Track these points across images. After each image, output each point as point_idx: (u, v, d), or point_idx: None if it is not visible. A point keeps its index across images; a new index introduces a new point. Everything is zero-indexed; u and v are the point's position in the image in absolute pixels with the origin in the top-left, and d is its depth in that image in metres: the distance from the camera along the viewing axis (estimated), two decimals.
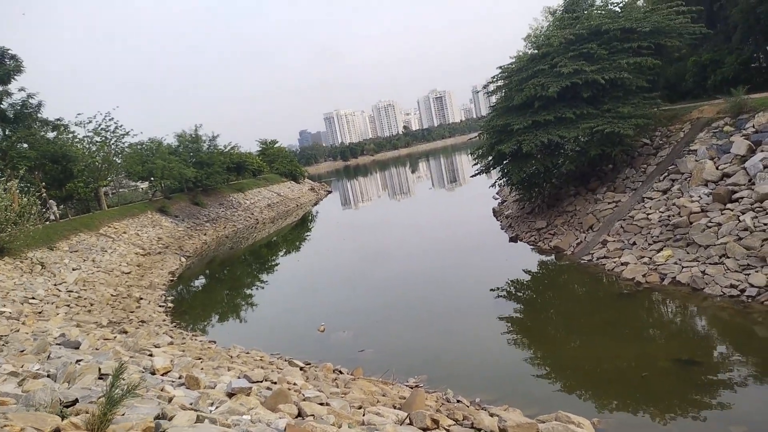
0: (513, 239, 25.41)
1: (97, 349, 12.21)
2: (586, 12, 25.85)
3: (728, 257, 14.29)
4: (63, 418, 4.91)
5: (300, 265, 31.60)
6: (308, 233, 46.44)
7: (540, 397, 10.66)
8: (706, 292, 13.79)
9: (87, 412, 5.12)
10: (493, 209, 33.72)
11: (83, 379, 8.10)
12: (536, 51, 25.71)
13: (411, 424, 7.89)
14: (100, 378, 8.56)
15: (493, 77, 27.65)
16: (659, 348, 12.47)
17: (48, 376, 8.35)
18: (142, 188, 57.79)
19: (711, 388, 10.09)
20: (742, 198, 15.63)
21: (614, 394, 10.43)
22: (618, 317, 14.59)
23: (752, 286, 12.99)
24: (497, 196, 37.13)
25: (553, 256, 21.17)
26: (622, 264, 17.17)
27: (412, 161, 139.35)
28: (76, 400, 5.96)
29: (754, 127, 17.82)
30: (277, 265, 33.42)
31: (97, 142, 40.66)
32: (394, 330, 16.61)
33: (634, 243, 18.02)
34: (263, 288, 26.88)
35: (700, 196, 17.10)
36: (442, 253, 26.09)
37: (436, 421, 8.08)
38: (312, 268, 29.47)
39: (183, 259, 34.89)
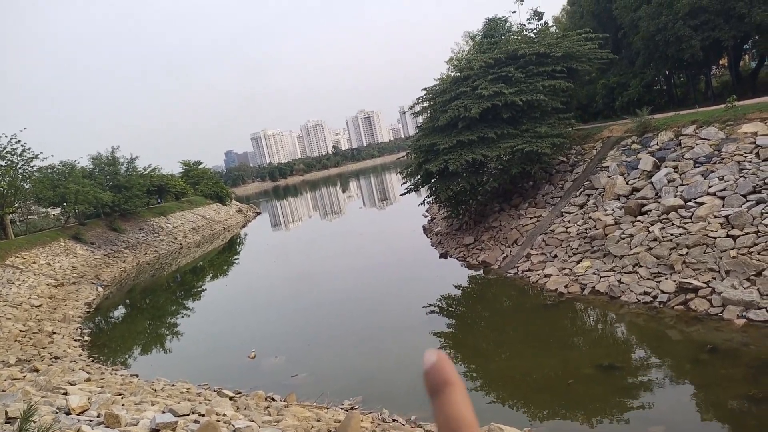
0: (443, 255, 25.89)
1: (3, 390, 11.23)
2: (503, 37, 27.17)
3: (641, 266, 15.25)
4: None
5: (228, 290, 30.62)
6: (236, 257, 45.17)
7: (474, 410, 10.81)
8: (623, 300, 14.62)
9: None
10: (423, 227, 34.28)
11: None
12: (458, 74, 26.63)
13: None
14: (7, 422, 7.88)
15: (419, 98, 28.36)
16: (582, 355, 13.04)
17: None
18: (54, 215, 54.16)
19: (631, 390, 10.64)
20: (650, 210, 16.79)
21: (543, 403, 10.77)
22: (543, 328, 15.14)
23: (663, 292, 13.91)
24: (426, 214, 37.81)
25: (481, 271, 21.73)
26: (545, 276, 17.90)
27: (342, 181, 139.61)
28: None
29: (658, 144, 19.28)
30: (203, 291, 32.18)
31: (1, 166, 37.81)
32: (327, 352, 16.37)
33: (556, 255, 18.86)
34: (189, 316, 25.76)
35: (613, 210, 18.20)
36: (374, 272, 26.15)
37: None
38: (241, 293, 28.63)
39: (100, 289, 32.88)
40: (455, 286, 21.01)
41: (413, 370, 13.88)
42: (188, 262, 44.19)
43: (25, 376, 13.63)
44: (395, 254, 29.31)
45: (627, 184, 18.90)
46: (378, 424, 9.93)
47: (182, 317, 25.64)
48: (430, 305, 18.84)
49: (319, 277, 27.72)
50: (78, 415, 8.99)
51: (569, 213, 20.54)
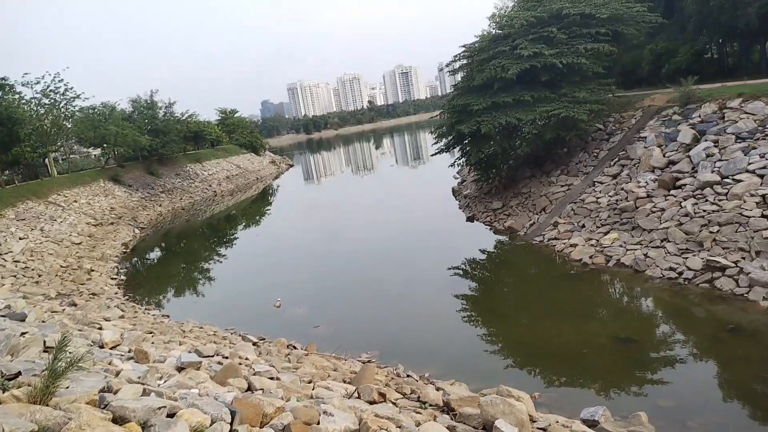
0: (470, 219, 25.88)
1: (43, 321, 11.96)
2: None
3: (669, 241, 15.03)
4: (4, 390, 4.85)
5: (259, 241, 31.38)
6: (268, 207, 46.02)
7: (487, 372, 11.09)
8: (648, 274, 14.49)
9: (29, 385, 5.07)
10: (453, 188, 34.17)
11: (27, 351, 7.96)
12: (499, 31, 25.89)
13: (359, 397, 8.11)
14: (45, 351, 8.41)
15: (456, 56, 27.76)
16: (600, 326, 13.09)
17: None
18: (94, 155, 55.82)
19: (645, 364, 10.71)
20: (685, 185, 16.38)
21: (556, 370, 10.94)
22: (564, 296, 15.18)
23: (689, 269, 13.72)
24: (457, 176, 37.60)
25: (507, 236, 21.71)
26: (571, 245, 17.80)
27: (376, 137, 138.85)
28: (19, 373, 5.82)
29: (700, 116, 18.59)
30: (235, 239, 33.09)
31: (45, 104, 38.92)
32: (350, 307, 16.82)
33: (584, 225, 18.67)
34: (221, 262, 26.62)
35: (646, 182, 17.81)
36: (401, 231, 26.36)
37: (383, 395, 8.32)
38: (271, 244, 29.32)
39: (137, 231, 34.12)
40: (480, 250, 21.09)
41: (432, 329, 14.22)
42: (222, 209, 45.26)
43: (64, 310, 14.46)
44: (423, 215, 29.36)
45: (664, 156, 18.39)
46: (392, 378, 10.29)
47: (214, 263, 26.52)
48: (454, 267, 19.02)
49: (346, 234, 28.12)
50: (111, 349, 9.58)
51: (601, 183, 20.19)
